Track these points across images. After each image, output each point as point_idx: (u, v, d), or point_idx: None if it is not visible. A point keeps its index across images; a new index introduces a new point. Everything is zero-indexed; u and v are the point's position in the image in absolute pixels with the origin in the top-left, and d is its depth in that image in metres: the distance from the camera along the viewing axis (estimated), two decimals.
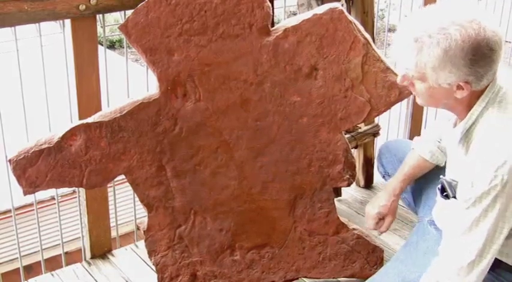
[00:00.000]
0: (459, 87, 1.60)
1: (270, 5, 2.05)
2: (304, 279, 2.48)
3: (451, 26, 1.53)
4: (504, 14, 4.12)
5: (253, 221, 2.29)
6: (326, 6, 2.10)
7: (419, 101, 1.73)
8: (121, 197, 3.00)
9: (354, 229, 2.38)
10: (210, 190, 2.20)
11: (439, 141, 2.09)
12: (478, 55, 1.54)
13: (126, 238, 3.23)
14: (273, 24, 2.12)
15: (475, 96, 1.64)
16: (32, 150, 1.97)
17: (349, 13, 2.56)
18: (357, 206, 3.02)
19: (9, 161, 1.98)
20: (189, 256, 2.27)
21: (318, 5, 2.54)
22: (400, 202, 2.23)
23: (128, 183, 2.13)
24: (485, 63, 1.56)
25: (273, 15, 2.10)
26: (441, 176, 1.83)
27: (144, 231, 2.21)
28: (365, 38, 2.12)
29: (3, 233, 4.44)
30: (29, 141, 2.04)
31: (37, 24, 2.28)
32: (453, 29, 1.53)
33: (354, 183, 2.41)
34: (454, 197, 1.75)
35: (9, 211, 3.03)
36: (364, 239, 2.37)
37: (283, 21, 2.20)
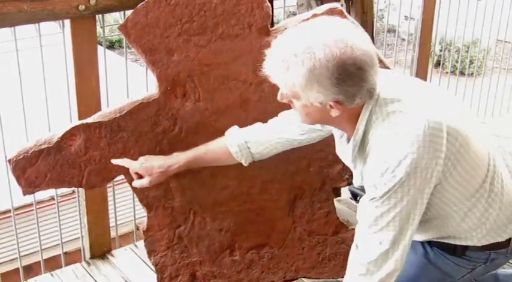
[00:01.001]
0: (332, 107, 1.60)
1: (269, 5, 2.05)
2: (304, 279, 2.48)
3: (316, 45, 1.52)
4: (504, 13, 4.13)
5: (253, 221, 2.29)
6: (325, 7, 2.10)
7: (300, 119, 1.72)
8: (120, 197, 3.00)
9: (353, 229, 2.38)
10: (209, 190, 2.20)
11: (252, 143, 1.99)
12: (345, 74, 1.52)
13: (126, 238, 3.24)
14: (272, 25, 2.12)
15: (355, 110, 1.64)
16: (32, 150, 1.97)
17: (349, 13, 2.56)
18: (356, 206, 3.02)
19: (9, 161, 1.98)
20: (188, 256, 2.27)
21: (318, 5, 2.55)
22: None
23: (127, 184, 2.13)
24: (354, 83, 1.55)
25: (272, 16, 2.10)
26: (348, 187, 1.83)
27: (143, 231, 2.21)
28: None
29: (2, 233, 4.44)
30: (29, 141, 2.04)
31: (36, 24, 2.28)
32: (317, 48, 1.52)
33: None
34: None
35: (8, 211, 3.03)
36: None
37: (283, 21, 2.20)
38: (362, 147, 1.70)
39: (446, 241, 1.82)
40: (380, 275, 1.67)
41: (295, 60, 1.54)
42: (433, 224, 1.78)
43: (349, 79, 1.54)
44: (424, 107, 1.62)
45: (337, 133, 1.83)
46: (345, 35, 1.54)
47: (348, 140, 1.74)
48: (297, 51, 1.54)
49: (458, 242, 1.80)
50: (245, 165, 2.02)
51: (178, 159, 2.01)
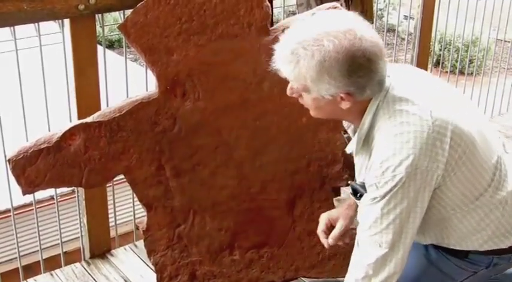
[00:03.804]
0: (342, 99, 1.60)
1: (268, 4, 2.05)
2: (303, 278, 2.48)
3: (325, 37, 1.52)
4: (504, 12, 4.13)
5: (253, 221, 2.29)
6: (325, 6, 2.10)
7: (311, 112, 1.72)
8: (120, 197, 3.00)
9: (353, 229, 2.37)
10: (209, 190, 2.20)
11: None
12: (355, 65, 1.53)
13: (125, 238, 3.23)
14: (272, 24, 2.12)
15: (364, 103, 1.64)
16: (31, 149, 1.97)
17: None
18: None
19: (9, 160, 1.98)
20: (188, 256, 2.27)
21: (317, 4, 2.54)
22: None
23: (127, 183, 2.13)
24: (364, 74, 1.55)
25: (272, 15, 2.10)
26: (349, 182, 1.84)
27: (143, 230, 2.21)
28: None
29: (2, 233, 4.43)
30: (28, 140, 2.04)
31: (36, 24, 2.28)
32: (326, 40, 1.52)
33: None
34: None
35: (8, 211, 3.03)
36: None
37: (282, 21, 2.20)
38: (367, 142, 1.69)
39: (446, 246, 1.80)
40: (379, 278, 1.67)
41: (305, 52, 1.54)
42: (431, 226, 1.77)
43: (359, 70, 1.54)
44: (431, 109, 1.61)
45: (345, 124, 1.83)
46: (353, 26, 1.55)
47: (354, 132, 1.74)
48: (306, 43, 1.54)
49: (458, 247, 1.78)
50: None
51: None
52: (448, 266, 1.83)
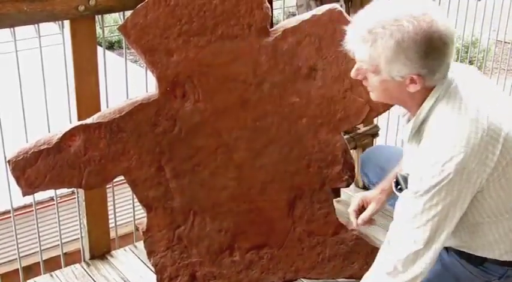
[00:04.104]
0: (412, 81, 1.60)
1: (268, 5, 2.05)
2: (303, 279, 2.47)
3: (404, 18, 1.54)
4: (504, 13, 4.12)
5: (252, 222, 2.29)
6: (325, 7, 2.11)
7: (372, 95, 1.73)
8: (120, 198, 3.00)
9: (352, 230, 2.38)
10: (209, 191, 2.20)
11: None
12: (431, 48, 1.55)
13: (125, 239, 3.22)
14: (272, 25, 2.12)
15: (426, 91, 1.65)
16: (31, 151, 1.97)
17: (348, 14, 2.56)
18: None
19: (9, 161, 1.98)
20: (188, 257, 2.27)
21: (317, 5, 2.55)
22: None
23: (126, 184, 2.13)
24: (438, 56, 1.58)
25: (271, 16, 2.10)
26: (397, 172, 1.83)
27: (143, 231, 2.21)
28: None
29: (2, 234, 4.43)
30: (28, 141, 2.04)
31: (36, 25, 2.28)
32: (406, 21, 1.54)
33: (353, 184, 2.41)
34: None
35: (8, 212, 3.03)
36: (363, 240, 2.37)
37: (282, 22, 2.20)
38: (419, 132, 1.69)
39: (466, 251, 1.80)
40: (406, 276, 1.66)
41: (384, 31, 1.55)
42: (461, 229, 1.76)
43: (434, 53, 1.56)
44: (489, 114, 1.61)
45: (400, 111, 1.84)
46: (429, 9, 1.57)
47: (408, 120, 1.74)
48: (384, 23, 1.55)
49: (478, 254, 1.78)
50: None
51: (387, 182, 2.00)
52: (462, 272, 1.83)
